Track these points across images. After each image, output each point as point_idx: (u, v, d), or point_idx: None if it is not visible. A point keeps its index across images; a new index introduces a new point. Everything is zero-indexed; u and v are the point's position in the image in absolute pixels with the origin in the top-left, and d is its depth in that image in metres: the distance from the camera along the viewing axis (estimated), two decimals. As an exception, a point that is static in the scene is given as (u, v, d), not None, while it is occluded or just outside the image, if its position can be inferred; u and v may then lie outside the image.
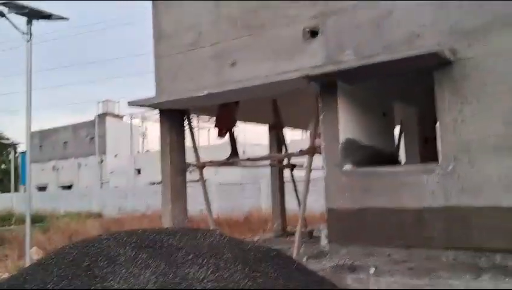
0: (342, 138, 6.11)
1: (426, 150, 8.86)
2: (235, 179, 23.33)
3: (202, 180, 8.41)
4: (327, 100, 6.21)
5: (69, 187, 36.19)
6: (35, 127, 38.79)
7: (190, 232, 3.96)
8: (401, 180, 5.69)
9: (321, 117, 6.31)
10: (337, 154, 6.08)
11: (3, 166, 42.80)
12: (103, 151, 33.66)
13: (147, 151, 34.64)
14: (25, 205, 29.10)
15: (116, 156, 33.84)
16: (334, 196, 6.06)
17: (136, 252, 3.46)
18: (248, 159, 10.04)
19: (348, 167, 6.11)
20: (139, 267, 3.33)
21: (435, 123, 6.39)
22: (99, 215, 26.84)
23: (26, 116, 9.29)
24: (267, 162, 10.72)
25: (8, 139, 43.43)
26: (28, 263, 8.07)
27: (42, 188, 37.74)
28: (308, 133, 9.34)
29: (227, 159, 8.54)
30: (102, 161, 33.93)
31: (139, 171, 32.00)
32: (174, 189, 7.70)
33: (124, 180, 31.77)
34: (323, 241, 6.39)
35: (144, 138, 35.14)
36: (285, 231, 10.31)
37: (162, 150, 7.98)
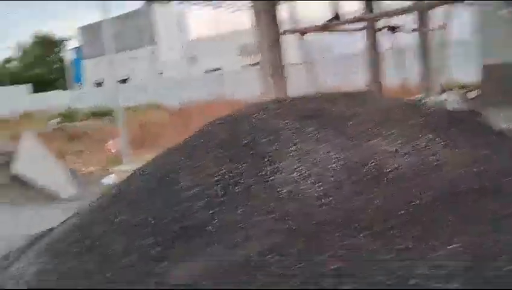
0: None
1: None
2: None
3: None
4: None
5: (124, 81, 36.45)
6: (84, 22, 38.45)
7: (350, 97, 3.26)
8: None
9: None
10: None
11: (57, 65, 43.45)
12: (155, 42, 33.05)
13: (200, 38, 33.74)
14: (82, 102, 29.67)
15: (168, 45, 33.22)
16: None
17: (301, 123, 2.84)
18: (355, 20, 8.57)
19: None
20: (310, 142, 2.76)
21: None
22: (158, 107, 27.13)
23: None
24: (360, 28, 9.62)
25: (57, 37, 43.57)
26: (125, 158, 8.04)
27: (99, 84, 38.32)
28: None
29: (329, 21, 7.57)
30: (154, 52, 33.51)
31: (194, 59, 31.48)
32: (273, 64, 7.07)
33: (178, 70, 31.48)
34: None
35: (195, 25, 33.92)
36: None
37: (256, 19, 7.20)
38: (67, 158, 11.80)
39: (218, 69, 29.07)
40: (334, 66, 20.10)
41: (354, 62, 18.61)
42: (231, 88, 23.86)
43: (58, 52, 44.05)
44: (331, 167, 2.67)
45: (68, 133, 17.30)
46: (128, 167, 7.98)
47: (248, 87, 22.57)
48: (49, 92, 37.02)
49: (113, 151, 14.31)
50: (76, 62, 39.79)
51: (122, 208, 2.67)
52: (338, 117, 2.93)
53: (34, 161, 7.30)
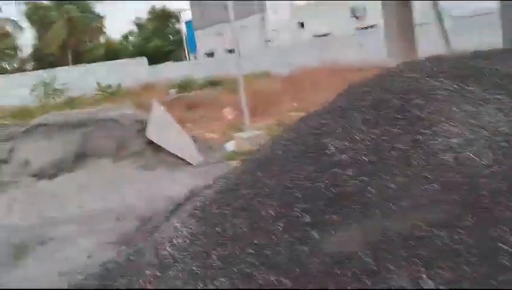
0: None
1: None
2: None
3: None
4: None
5: (233, 51, 37.18)
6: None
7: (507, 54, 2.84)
8: None
9: None
10: None
11: (173, 37, 45.62)
12: (263, 9, 33.09)
13: (308, 3, 33.08)
14: (196, 72, 30.62)
15: (276, 11, 33.07)
16: None
17: (460, 83, 2.54)
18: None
19: None
20: (472, 103, 2.47)
21: None
22: (267, 75, 27.33)
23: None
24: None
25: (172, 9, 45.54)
26: (247, 123, 8.20)
27: (210, 54, 39.61)
28: None
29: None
30: (263, 19, 33.59)
31: (302, 24, 31.00)
32: (401, 25, 6.62)
33: (287, 36, 31.27)
34: None
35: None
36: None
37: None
38: (187, 126, 12.40)
39: (327, 34, 28.30)
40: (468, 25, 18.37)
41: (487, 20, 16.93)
42: (341, 53, 23.10)
43: (174, 24, 46.24)
44: (501, 130, 2.37)
45: (186, 102, 18.14)
46: (248, 133, 8.13)
47: (359, 52, 21.73)
48: (166, 63, 39.21)
49: (229, 118, 14.79)
50: (191, 33, 41.43)
51: (270, 172, 2.64)
52: (504, 76, 2.58)
53: (164, 128, 7.72)
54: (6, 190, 6.35)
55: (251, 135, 7.97)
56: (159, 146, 7.44)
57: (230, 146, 8.43)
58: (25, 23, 44.79)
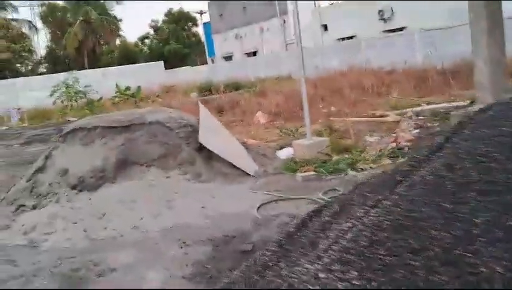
0: None
1: None
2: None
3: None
4: None
5: (254, 54, 36.43)
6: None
7: None
8: None
9: None
10: None
11: (190, 40, 44.98)
12: (284, 12, 32.27)
13: (332, 3, 32.24)
14: (215, 75, 29.87)
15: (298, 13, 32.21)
16: None
17: None
18: None
19: None
20: None
21: None
22: (289, 78, 26.55)
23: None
24: None
25: (190, 13, 44.98)
26: (308, 129, 7.32)
27: (228, 58, 38.89)
28: None
29: None
30: (284, 22, 32.77)
31: (325, 27, 30.14)
32: (490, 19, 5.72)
33: (309, 40, 30.40)
34: None
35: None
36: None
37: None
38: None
39: (352, 36, 27.41)
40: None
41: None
42: (367, 55, 22.24)
43: (191, 27, 45.67)
44: None
45: (213, 106, 17.33)
46: (309, 140, 7.22)
47: (385, 54, 20.86)
48: (184, 67, 38.60)
49: (262, 122, 13.97)
50: (208, 36, 40.74)
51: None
52: None
53: (214, 133, 6.88)
54: (45, 203, 5.52)
55: (312, 142, 7.08)
56: (210, 153, 6.59)
57: (283, 154, 7.55)
58: (40, 25, 44.53)
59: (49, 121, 24.52)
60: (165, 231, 4.69)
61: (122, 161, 6.34)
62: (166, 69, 38.61)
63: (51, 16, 41.97)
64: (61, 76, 31.70)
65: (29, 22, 43.38)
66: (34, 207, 5.54)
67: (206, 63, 42.12)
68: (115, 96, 27.93)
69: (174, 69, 38.34)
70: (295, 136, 9.02)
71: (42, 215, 5.20)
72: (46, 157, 6.19)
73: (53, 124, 22.67)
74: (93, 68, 36.26)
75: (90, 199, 5.52)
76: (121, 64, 38.39)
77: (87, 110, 25.10)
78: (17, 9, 43.44)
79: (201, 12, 41.96)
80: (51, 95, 23.97)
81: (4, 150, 14.72)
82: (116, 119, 6.64)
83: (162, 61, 38.93)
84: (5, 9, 40.34)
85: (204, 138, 6.46)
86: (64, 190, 5.76)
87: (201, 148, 6.62)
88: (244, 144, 7.51)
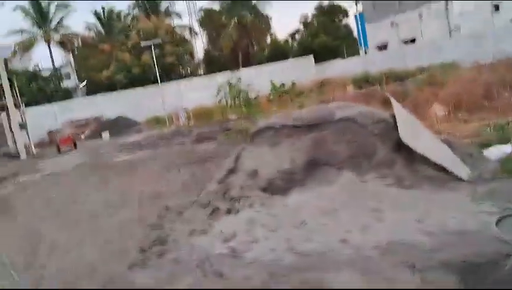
0: None
1: None
2: None
3: None
4: None
5: (412, 41, 33.95)
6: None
7: None
8: None
9: None
10: None
11: (341, 32, 43.93)
12: (448, -6, 29.32)
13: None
14: (369, 67, 28.36)
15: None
16: None
17: None
18: None
19: None
20: None
21: None
22: (455, 66, 23.94)
23: None
24: None
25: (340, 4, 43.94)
26: None
27: (382, 47, 36.90)
28: None
29: None
30: (447, 6, 29.81)
31: (496, 7, 26.58)
32: None
33: (478, 23, 27.10)
34: None
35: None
36: None
37: None
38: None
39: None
40: None
41: None
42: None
43: (342, 19, 44.61)
44: None
45: (379, 99, 16.20)
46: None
47: None
48: (334, 60, 37.76)
49: (439, 114, 12.48)
50: (361, 27, 39.25)
51: None
52: None
53: (413, 130, 5.95)
54: (238, 207, 5.24)
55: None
56: (411, 154, 5.68)
57: (495, 153, 6.27)
58: (198, 29, 47.68)
59: (212, 120, 25.83)
60: (381, 249, 3.95)
61: (310, 163, 5.80)
62: (316, 62, 38.16)
63: (208, 20, 44.59)
64: (218, 76, 33.43)
65: (190, 27, 46.82)
66: (229, 211, 5.29)
67: (358, 54, 40.63)
68: (270, 93, 28.34)
69: (324, 62, 37.68)
70: (504, 132, 7.54)
71: (239, 220, 4.89)
72: (236, 159, 5.95)
73: (216, 122, 23.77)
74: (246, 67, 37.47)
75: (285, 205, 5.07)
76: (272, 62, 39.05)
77: (244, 108, 25.84)
78: (180, 16, 47.14)
79: (352, 4, 40.61)
80: (216, 95, 25.09)
81: (178, 147, 15.61)
82: (303, 117, 6.14)
83: (312, 56, 38.56)
84: (170, 16, 44.10)
85: (405, 136, 5.58)
86: (256, 194, 5.42)
87: (399, 148, 5.76)
88: (446, 141, 6.42)
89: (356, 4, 39.70)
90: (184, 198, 7.47)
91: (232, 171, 5.86)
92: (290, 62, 38.55)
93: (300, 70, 34.29)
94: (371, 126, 5.87)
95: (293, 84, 28.86)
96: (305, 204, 5.05)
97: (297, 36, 48.37)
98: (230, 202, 5.41)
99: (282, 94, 27.56)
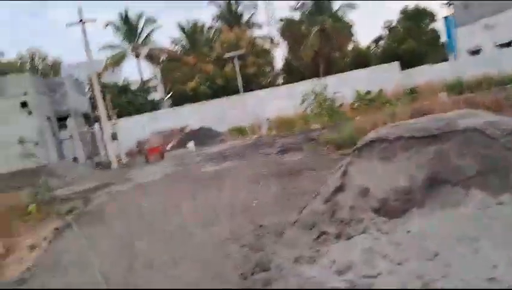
0: None
1: None
2: None
3: None
4: None
5: (508, 44, 31.28)
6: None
7: None
8: None
9: None
10: None
11: (427, 37, 41.72)
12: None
13: None
14: (460, 73, 26.28)
15: None
16: None
17: None
18: None
19: None
20: None
21: None
22: None
23: None
24: None
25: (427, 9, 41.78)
26: None
27: (475, 52, 34.42)
28: None
29: None
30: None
31: None
32: None
33: None
34: None
35: None
36: None
37: None
38: None
39: None
40: None
41: None
42: None
43: (428, 24, 42.38)
44: None
45: (479, 106, 14.76)
46: None
47: None
48: (421, 66, 35.87)
49: None
50: (451, 31, 36.91)
51: None
52: None
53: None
54: (350, 232, 4.60)
55: None
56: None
57: None
58: (278, 39, 47.66)
59: (294, 129, 25.34)
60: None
61: (431, 180, 5.01)
62: (401, 69, 36.47)
63: (288, 30, 44.38)
64: (300, 85, 32.92)
65: (271, 37, 46.93)
66: (338, 236, 4.68)
67: (447, 59, 38.25)
68: (355, 102, 27.32)
69: (410, 69, 35.90)
70: None
71: (354, 248, 4.26)
72: (343, 175, 5.33)
73: (299, 132, 23.24)
74: (327, 75, 36.63)
75: (408, 231, 4.36)
76: (353, 69, 37.89)
77: (326, 117, 25.05)
78: (261, 26, 47.46)
79: (442, 7, 38.42)
80: (301, 104, 24.61)
81: (263, 158, 15.28)
82: (421, 127, 5.37)
83: (397, 62, 36.91)
84: (252, 28, 44.52)
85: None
86: (370, 216, 4.75)
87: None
88: None
89: (447, 6, 37.41)
90: (279, 215, 6.98)
91: (339, 188, 5.24)
92: (374, 69, 37.16)
93: (385, 78, 32.80)
94: (503, 138, 4.96)
95: (380, 91, 27.61)
96: (431, 230, 4.29)
97: (381, 43, 46.69)
98: (339, 225, 4.79)
99: (368, 102, 26.42)
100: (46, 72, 38.69)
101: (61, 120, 25.48)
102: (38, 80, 24.19)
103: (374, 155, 5.34)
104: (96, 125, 29.30)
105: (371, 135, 5.57)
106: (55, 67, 40.10)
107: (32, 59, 39.99)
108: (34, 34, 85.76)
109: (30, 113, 20.81)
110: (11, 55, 42.87)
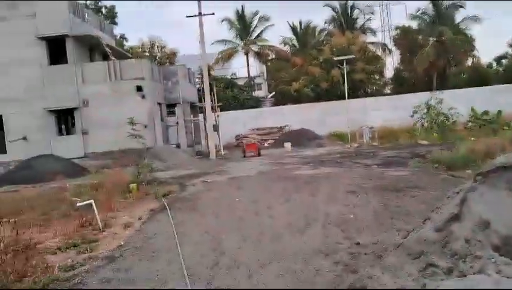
0: None
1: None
2: None
3: None
4: None
5: None
6: None
7: None
8: None
9: None
10: None
11: None
12: None
13: None
14: None
15: None
16: None
17: None
18: None
19: None
20: None
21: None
22: None
23: None
24: None
25: None
26: None
27: None
28: None
29: None
30: None
31: None
32: None
33: None
34: None
35: None
36: None
37: None
38: None
39: None
40: None
41: None
42: None
43: None
44: None
45: None
46: None
47: None
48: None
49: None
50: None
51: None
52: None
53: None
54: (463, 268, 3.99)
55: None
56: None
57: None
58: (392, 47, 45.72)
59: (398, 142, 24.08)
60: None
61: None
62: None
63: (403, 38, 42.35)
64: (411, 96, 31.22)
65: (384, 44, 45.18)
66: (449, 271, 4.09)
67: None
68: (469, 121, 25.27)
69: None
70: None
71: (466, 288, 3.67)
72: (462, 202, 4.69)
73: (403, 146, 22.01)
74: (441, 90, 34.27)
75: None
76: (469, 86, 35.04)
77: (435, 134, 23.43)
78: (375, 32, 45.93)
79: None
80: (411, 116, 23.30)
81: (363, 169, 14.57)
82: None
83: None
84: (365, 33, 43.20)
85: None
86: (489, 254, 4.08)
87: None
88: None
89: None
90: (379, 235, 6.44)
91: (455, 217, 4.60)
92: (494, 88, 34.01)
93: (506, 99, 29.82)
94: None
95: (499, 112, 25.24)
96: None
97: (504, 61, 42.77)
98: (452, 259, 4.19)
99: (484, 123, 24.28)
100: (163, 60, 40.96)
101: (170, 107, 26.77)
102: (154, 67, 25.61)
103: (502, 184, 4.61)
104: (201, 116, 30.35)
105: (501, 160, 4.81)
106: (171, 57, 42.29)
107: (152, 47, 42.57)
108: (157, 24, 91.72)
109: (143, 97, 22.10)
110: (133, 42, 45.83)
